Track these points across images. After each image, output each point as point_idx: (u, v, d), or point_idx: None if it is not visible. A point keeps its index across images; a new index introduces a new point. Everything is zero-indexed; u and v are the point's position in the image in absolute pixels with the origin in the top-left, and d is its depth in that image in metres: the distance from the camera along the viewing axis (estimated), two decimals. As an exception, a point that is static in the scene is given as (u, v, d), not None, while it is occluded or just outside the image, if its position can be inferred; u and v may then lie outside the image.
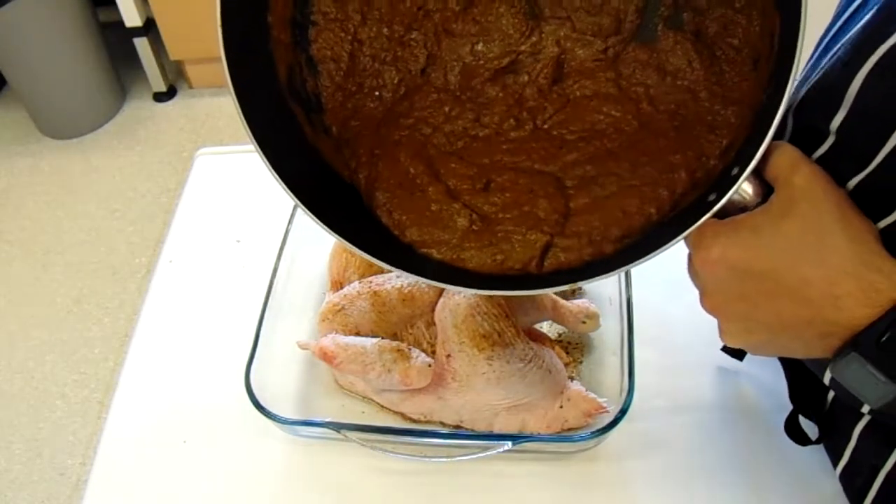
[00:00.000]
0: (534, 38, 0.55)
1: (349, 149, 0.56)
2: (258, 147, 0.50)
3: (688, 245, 0.45)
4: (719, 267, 0.43)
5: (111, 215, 1.99)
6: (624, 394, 0.60)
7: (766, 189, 0.44)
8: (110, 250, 1.90)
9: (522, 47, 0.55)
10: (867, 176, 0.45)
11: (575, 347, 0.70)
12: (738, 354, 0.67)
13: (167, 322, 0.78)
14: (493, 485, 0.63)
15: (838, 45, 0.48)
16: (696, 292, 0.47)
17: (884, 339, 0.39)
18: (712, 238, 0.43)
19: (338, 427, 0.61)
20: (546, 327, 0.71)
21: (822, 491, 0.61)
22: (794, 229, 0.41)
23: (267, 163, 0.50)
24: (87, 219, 1.99)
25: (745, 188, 0.44)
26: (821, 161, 0.47)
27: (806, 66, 0.54)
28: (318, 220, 0.51)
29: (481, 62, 0.56)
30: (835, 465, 0.59)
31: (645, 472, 0.63)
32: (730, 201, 0.43)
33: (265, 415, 0.61)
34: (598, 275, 0.48)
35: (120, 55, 2.23)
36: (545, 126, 0.54)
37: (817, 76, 0.48)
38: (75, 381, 1.65)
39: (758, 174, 0.44)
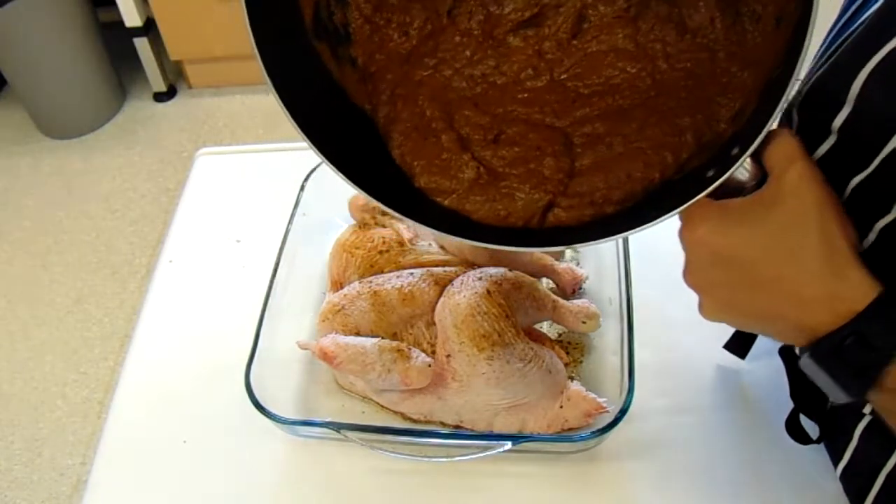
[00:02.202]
0: None
1: (372, 84, 0.57)
2: (279, 98, 0.51)
3: (680, 218, 0.46)
4: (703, 249, 0.44)
5: (111, 215, 1.99)
6: (624, 394, 0.60)
7: (763, 172, 0.44)
8: (110, 250, 1.91)
9: (546, 0, 0.56)
10: (867, 176, 0.45)
11: (575, 347, 0.70)
12: (739, 352, 0.67)
13: (167, 322, 0.78)
14: (493, 485, 0.63)
15: (841, 42, 0.48)
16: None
17: (839, 349, 0.40)
18: (700, 220, 0.44)
19: (338, 427, 0.61)
20: (546, 327, 0.71)
21: (822, 491, 0.61)
22: (776, 226, 0.41)
23: (284, 107, 0.51)
24: (87, 219, 1.99)
25: (743, 168, 0.44)
26: (823, 160, 0.47)
27: (814, 58, 0.54)
28: (334, 168, 0.52)
29: (506, 12, 0.56)
30: (835, 464, 0.60)
31: (645, 472, 0.63)
32: (727, 179, 0.43)
33: (265, 415, 0.61)
34: (595, 238, 0.49)
35: (120, 55, 2.23)
36: (561, 78, 0.55)
37: (820, 73, 0.48)
38: (75, 381, 1.65)
39: (756, 157, 0.44)
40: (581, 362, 0.69)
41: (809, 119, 0.49)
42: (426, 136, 0.55)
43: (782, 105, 0.40)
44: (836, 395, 0.42)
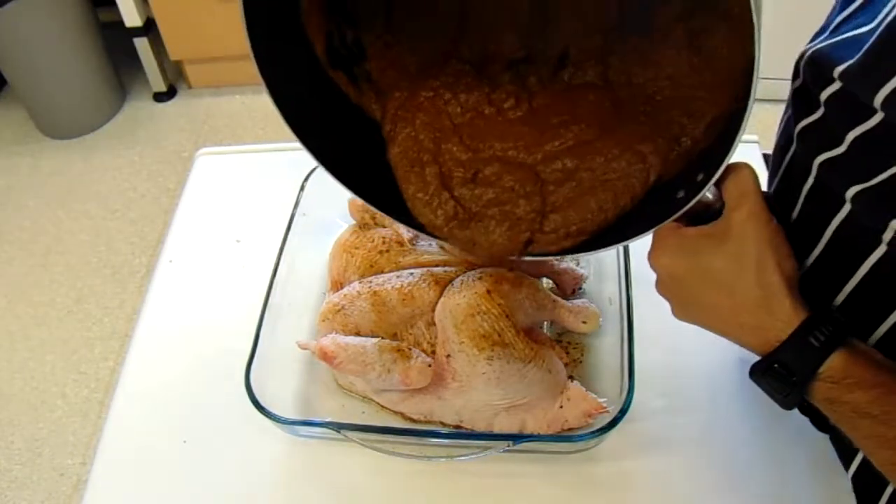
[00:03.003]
0: (546, 34, 0.60)
1: (382, 101, 0.61)
2: (282, 111, 0.54)
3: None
4: (662, 270, 0.53)
5: (111, 215, 1.99)
6: (624, 394, 0.60)
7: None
8: (110, 250, 1.90)
9: (536, 42, 0.60)
10: (839, 155, 0.48)
11: (575, 347, 0.70)
12: None
13: (167, 322, 0.78)
14: (493, 485, 0.63)
15: (840, 23, 0.49)
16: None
17: (767, 372, 0.47)
18: (662, 247, 0.52)
19: (338, 427, 0.61)
20: (546, 327, 0.71)
21: (822, 491, 0.61)
22: (719, 262, 0.48)
23: (282, 114, 0.55)
24: (87, 219, 1.99)
25: (709, 191, 0.49)
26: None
27: (816, 32, 0.55)
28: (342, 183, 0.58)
29: (501, 49, 0.61)
30: (846, 466, 0.60)
31: (645, 472, 0.63)
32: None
33: (265, 415, 0.61)
34: (574, 252, 0.58)
35: (120, 55, 2.23)
36: (536, 106, 0.60)
37: (819, 47, 0.49)
38: (75, 381, 1.65)
39: (718, 183, 0.49)
40: (581, 362, 0.69)
41: (803, 88, 0.53)
42: (413, 165, 0.59)
43: (739, 137, 0.44)
44: (779, 404, 0.49)
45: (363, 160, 0.60)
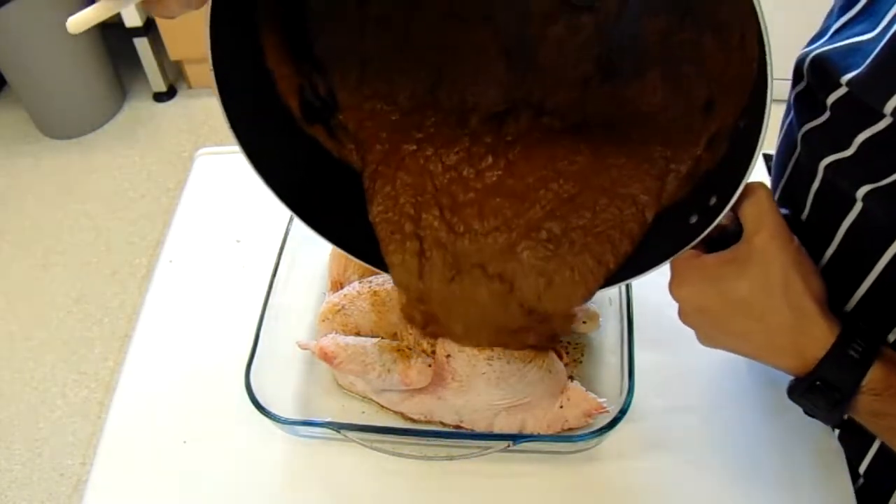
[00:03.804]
0: (525, 87, 0.58)
1: (361, 152, 0.58)
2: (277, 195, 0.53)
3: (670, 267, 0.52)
4: (685, 303, 0.51)
5: (111, 215, 1.99)
6: (624, 394, 0.60)
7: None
8: (110, 250, 1.90)
9: (516, 94, 0.58)
10: (845, 158, 0.48)
11: (575, 347, 0.70)
12: None
13: (167, 322, 0.78)
14: (493, 485, 0.63)
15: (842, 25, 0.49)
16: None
17: (809, 391, 0.47)
18: (682, 279, 0.50)
19: (338, 427, 0.61)
20: (546, 327, 0.71)
21: (824, 489, 0.61)
22: (745, 288, 0.47)
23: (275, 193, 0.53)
24: (87, 219, 1.99)
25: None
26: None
27: (817, 32, 0.55)
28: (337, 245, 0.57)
29: (482, 102, 0.59)
30: (857, 464, 0.60)
31: (645, 472, 0.63)
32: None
33: (265, 415, 0.61)
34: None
35: (120, 55, 2.23)
36: (513, 158, 0.57)
37: (822, 50, 0.49)
38: (75, 381, 1.65)
39: (733, 205, 0.47)
40: (581, 362, 0.69)
41: (807, 91, 0.53)
42: (394, 232, 0.57)
43: (755, 160, 0.43)
44: (822, 420, 0.49)
45: (348, 210, 0.58)
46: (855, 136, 0.47)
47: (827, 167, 0.50)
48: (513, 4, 0.56)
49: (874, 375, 0.45)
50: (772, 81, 0.40)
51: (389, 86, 0.58)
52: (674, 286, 0.51)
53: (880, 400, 0.45)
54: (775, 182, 0.63)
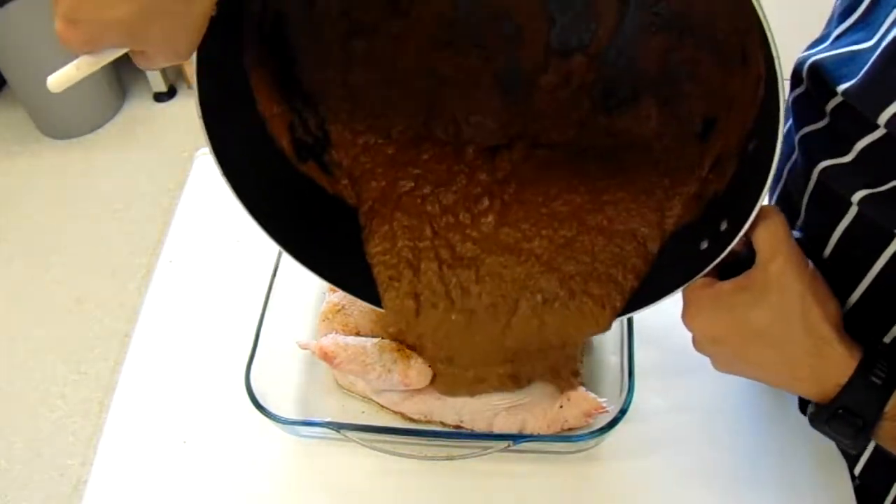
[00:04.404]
0: (521, 122, 0.58)
1: (356, 188, 0.57)
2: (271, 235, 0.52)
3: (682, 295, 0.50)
4: (700, 332, 0.50)
5: (111, 215, 1.99)
6: (624, 394, 0.60)
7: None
8: (110, 250, 1.90)
9: (512, 130, 0.58)
10: (844, 163, 0.47)
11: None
12: None
13: (167, 322, 0.78)
14: (493, 485, 0.63)
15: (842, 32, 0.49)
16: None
17: (832, 418, 0.46)
18: (696, 308, 0.49)
19: (338, 427, 0.61)
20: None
21: (824, 490, 0.61)
22: (762, 318, 0.46)
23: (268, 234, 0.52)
24: (87, 219, 1.99)
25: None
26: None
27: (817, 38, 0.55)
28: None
29: (476, 135, 0.58)
30: (853, 466, 0.60)
31: (645, 472, 0.63)
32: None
33: (265, 415, 0.61)
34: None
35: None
36: (508, 200, 0.56)
37: (819, 56, 0.49)
38: (75, 381, 1.65)
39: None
40: (581, 362, 0.69)
41: (805, 95, 0.53)
42: (392, 279, 0.56)
43: (767, 183, 0.42)
44: (846, 448, 0.48)
45: (341, 246, 0.57)
46: (855, 142, 0.47)
47: (822, 171, 0.50)
48: (500, 29, 0.55)
49: None
50: (784, 105, 0.39)
51: (383, 119, 0.57)
52: (687, 316, 0.50)
53: None
54: (772, 186, 0.62)
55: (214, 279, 0.81)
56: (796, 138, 0.54)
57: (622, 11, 0.53)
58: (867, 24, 0.48)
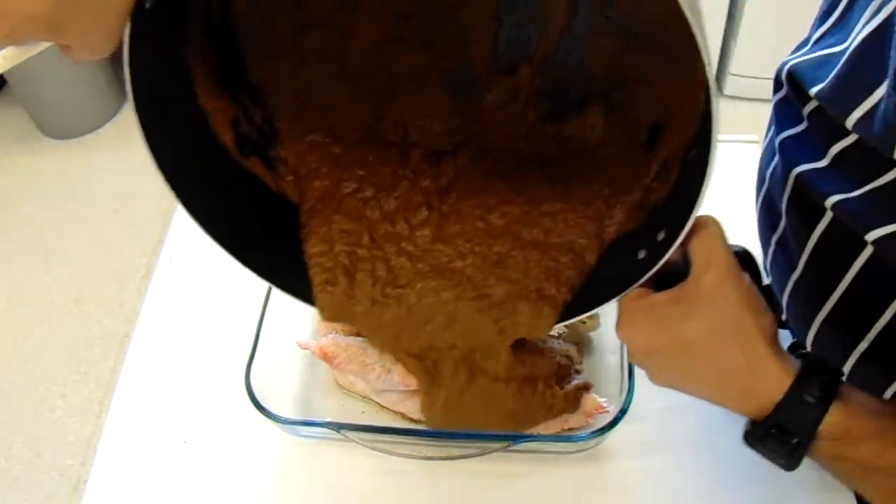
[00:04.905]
0: (469, 129, 0.57)
1: (300, 186, 0.56)
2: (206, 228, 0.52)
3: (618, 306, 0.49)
4: (633, 345, 0.48)
5: (111, 215, 1.99)
6: (624, 394, 0.60)
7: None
8: (110, 250, 1.90)
9: (459, 136, 0.57)
10: (820, 168, 0.47)
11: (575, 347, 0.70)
12: None
13: (167, 322, 0.78)
14: (493, 485, 0.63)
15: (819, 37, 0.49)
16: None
17: (765, 437, 0.45)
18: (629, 321, 0.47)
19: (338, 427, 0.61)
20: (546, 327, 0.71)
21: (822, 493, 0.61)
22: (695, 330, 0.44)
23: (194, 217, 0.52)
24: (87, 219, 1.99)
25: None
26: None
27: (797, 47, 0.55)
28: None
29: (423, 139, 0.58)
30: None
31: (645, 472, 0.63)
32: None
33: (265, 415, 0.61)
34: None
35: (120, 55, 2.23)
36: (446, 211, 0.56)
37: (795, 62, 0.49)
38: (75, 381, 1.65)
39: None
40: (581, 362, 0.69)
41: (786, 99, 0.52)
42: (328, 283, 0.54)
43: (703, 193, 0.40)
44: (781, 467, 0.46)
45: (279, 242, 0.56)
46: (830, 146, 0.47)
47: (798, 176, 0.50)
48: (449, 27, 0.55)
49: (832, 419, 0.43)
50: (717, 112, 0.38)
51: (332, 117, 0.57)
52: (620, 328, 0.48)
53: (840, 444, 0.44)
54: (757, 190, 0.62)
55: (214, 279, 0.81)
56: (776, 142, 0.54)
57: (571, 14, 0.52)
58: (842, 27, 0.48)
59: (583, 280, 0.52)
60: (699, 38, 0.35)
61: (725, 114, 2.25)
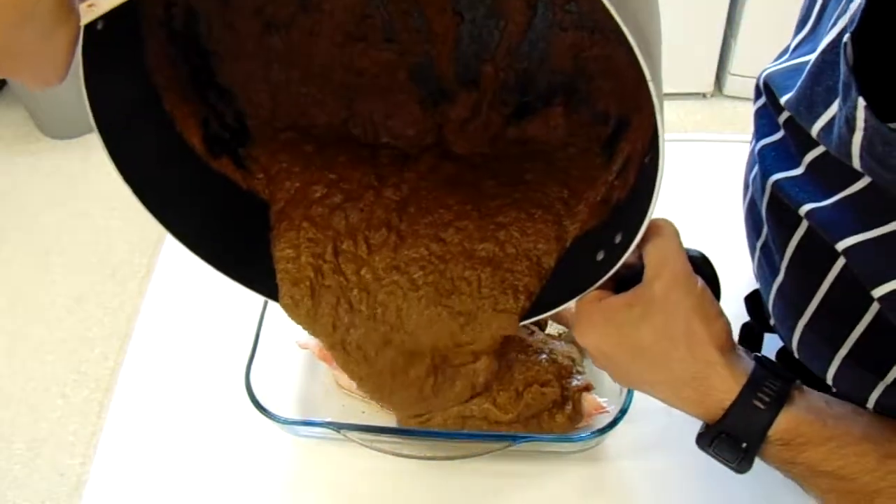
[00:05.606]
0: (434, 132, 0.58)
1: (270, 186, 0.56)
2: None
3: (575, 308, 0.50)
4: (591, 348, 0.49)
5: (111, 215, 1.99)
6: (624, 394, 0.60)
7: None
8: (110, 250, 1.90)
9: (427, 139, 0.58)
10: (795, 176, 0.47)
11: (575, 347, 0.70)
12: (754, 347, 0.67)
13: (167, 322, 0.78)
14: (493, 485, 0.63)
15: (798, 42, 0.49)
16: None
17: (714, 442, 0.46)
18: (585, 322, 0.48)
19: (338, 427, 0.61)
20: (548, 327, 0.71)
21: (822, 491, 0.61)
22: (647, 335, 0.45)
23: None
24: (87, 219, 1.99)
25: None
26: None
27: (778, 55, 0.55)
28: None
29: (391, 141, 0.58)
30: None
31: (645, 472, 0.63)
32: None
33: (265, 415, 0.61)
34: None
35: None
36: (404, 229, 0.56)
37: (771, 70, 0.49)
38: (75, 381, 1.65)
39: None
40: (582, 363, 0.69)
41: (765, 108, 0.52)
42: (295, 282, 0.55)
43: (656, 197, 0.41)
44: (733, 471, 0.47)
45: (251, 244, 0.56)
46: (804, 155, 0.47)
47: (774, 184, 0.50)
48: (411, 23, 0.55)
49: (781, 425, 0.44)
50: (661, 116, 0.37)
51: (303, 115, 0.57)
52: (577, 331, 0.49)
53: (789, 449, 0.44)
54: (743, 197, 0.62)
55: (214, 279, 0.81)
56: (756, 150, 0.54)
57: (532, 10, 0.53)
58: (814, 36, 0.48)
59: (542, 284, 0.53)
60: (630, 38, 0.34)
61: (725, 113, 2.25)
